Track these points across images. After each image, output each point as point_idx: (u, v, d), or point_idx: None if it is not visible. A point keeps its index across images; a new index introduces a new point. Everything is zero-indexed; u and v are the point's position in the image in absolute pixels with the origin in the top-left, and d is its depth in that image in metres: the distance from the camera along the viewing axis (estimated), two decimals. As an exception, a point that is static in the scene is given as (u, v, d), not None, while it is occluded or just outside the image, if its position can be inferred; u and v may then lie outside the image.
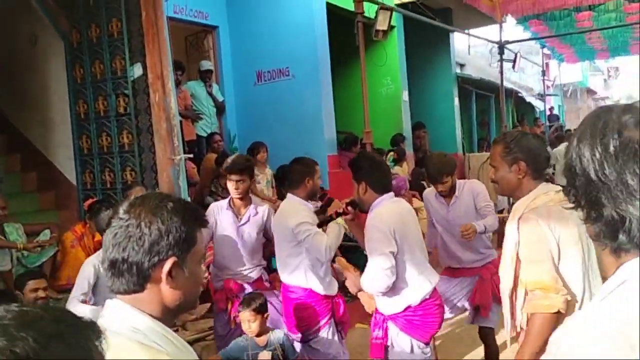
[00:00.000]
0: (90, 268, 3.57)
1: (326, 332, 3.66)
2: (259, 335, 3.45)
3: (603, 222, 1.01)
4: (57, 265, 4.88)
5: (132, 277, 1.29)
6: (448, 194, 4.18)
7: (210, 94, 7.63)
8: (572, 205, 1.07)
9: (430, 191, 4.45)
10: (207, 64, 7.72)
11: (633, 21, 11.41)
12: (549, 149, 3.06)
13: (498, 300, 3.85)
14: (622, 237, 0.98)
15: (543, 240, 2.25)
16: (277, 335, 3.51)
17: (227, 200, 4.16)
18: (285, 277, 3.74)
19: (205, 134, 7.44)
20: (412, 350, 3.19)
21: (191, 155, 6.00)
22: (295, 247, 3.61)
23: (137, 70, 5.43)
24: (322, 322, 3.65)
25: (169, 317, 1.36)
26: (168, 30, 5.38)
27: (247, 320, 3.42)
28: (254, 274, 4.11)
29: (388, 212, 3.13)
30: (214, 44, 8.17)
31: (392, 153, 8.93)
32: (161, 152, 5.32)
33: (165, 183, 5.34)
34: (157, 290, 1.32)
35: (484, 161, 8.04)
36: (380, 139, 8.84)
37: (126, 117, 5.56)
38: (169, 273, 1.30)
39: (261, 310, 3.45)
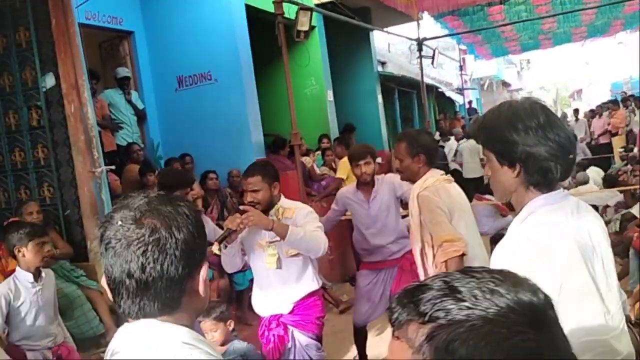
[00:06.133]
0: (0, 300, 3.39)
1: None
2: (223, 344, 3.33)
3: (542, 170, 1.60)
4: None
5: (171, 294, 1.15)
6: (369, 182, 4.25)
7: (129, 102, 7.36)
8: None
9: (346, 189, 4.56)
10: (123, 71, 7.43)
11: (542, 12, 11.95)
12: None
13: None
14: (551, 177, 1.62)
15: (437, 208, 3.05)
16: (237, 346, 3.37)
17: None
18: None
19: (126, 144, 7.18)
20: None
21: (113, 167, 5.77)
22: None
23: (49, 81, 5.15)
24: None
25: (192, 325, 1.24)
26: (81, 37, 5.15)
27: (210, 330, 3.31)
28: None
29: None
30: (130, 50, 7.88)
31: (318, 153, 8.96)
32: (80, 166, 5.08)
33: (86, 198, 5.11)
34: (189, 303, 1.19)
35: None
36: (307, 139, 8.83)
37: (40, 130, 5.27)
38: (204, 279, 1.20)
39: (222, 318, 3.33)
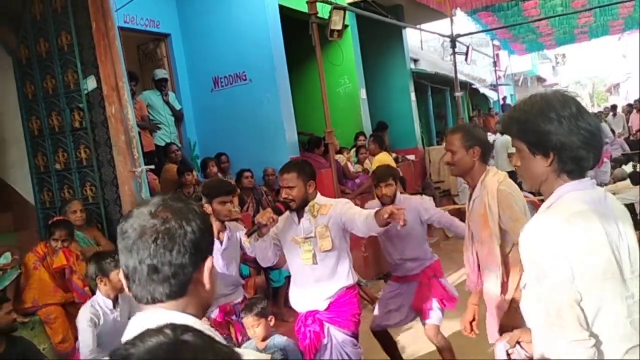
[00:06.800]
0: (86, 326, 3.44)
1: None
2: (264, 339, 3.44)
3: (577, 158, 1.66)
4: (20, 288, 4.72)
5: (178, 280, 1.25)
6: (390, 203, 4.16)
7: (167, 102, 7.51)
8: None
9: (373, 203, 4.49)
10: (161, 73, 7.59)
11: (578, 6, 11.74)
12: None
13: (438, 300, 4.20)
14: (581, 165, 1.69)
15: (517, 203, 2.96)
16: (278, 340, 3.48)
17: None
18: None
19: (164, 144, 7.32)
20: None
21: (153, 167, 5.90)
22: None
23: (90, 83, 5.30)
24: None
25: (201, 317, 1.35)
26: (120, 40, 5.27)
27: (252, 326, 3.41)
28: (237, 296, 3.95)
29: None
30: (168, 52, 8.05)
31: (353, 150, 8.99)
32: (121, 165, 5.21)
33: (127, 196, 5.24)
34: (195, 292, 1.29)
35: (444, 154, 8.15)
36: (341, 137, 8.88)
37: (82, 131, 5.43)
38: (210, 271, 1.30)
39: (264, 314, 3.42)
